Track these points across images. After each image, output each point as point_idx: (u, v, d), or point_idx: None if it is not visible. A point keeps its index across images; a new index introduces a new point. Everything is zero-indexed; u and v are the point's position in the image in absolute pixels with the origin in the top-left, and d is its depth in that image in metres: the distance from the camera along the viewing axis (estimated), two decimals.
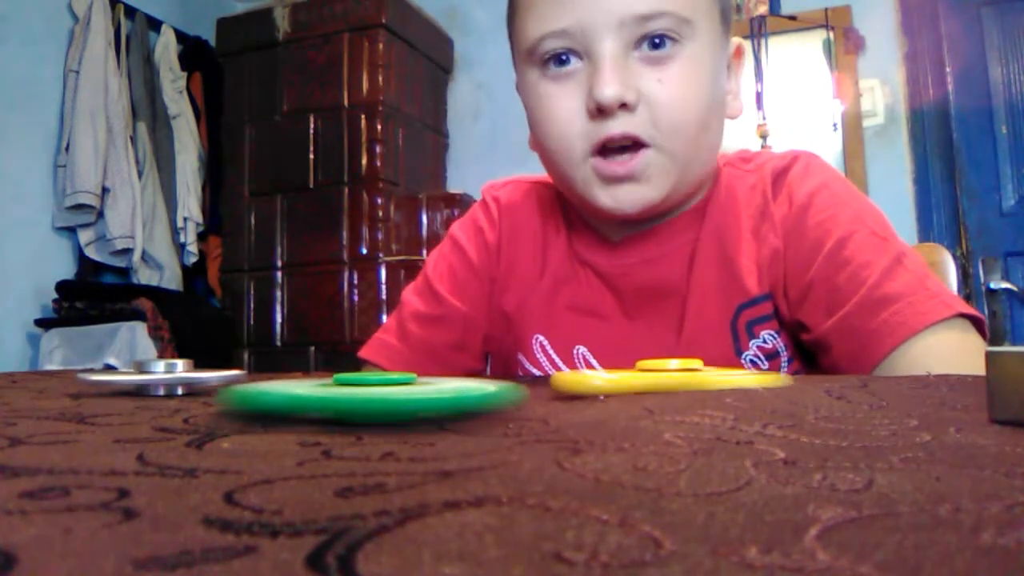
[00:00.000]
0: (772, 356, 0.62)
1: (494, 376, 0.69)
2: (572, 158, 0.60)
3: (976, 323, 0.56)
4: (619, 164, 0.58)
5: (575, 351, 0.66)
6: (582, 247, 0.69)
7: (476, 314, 0.72)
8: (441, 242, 0.77)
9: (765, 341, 0.61)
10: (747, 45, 0.69)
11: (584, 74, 0.58)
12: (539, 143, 0.64)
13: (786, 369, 0.62)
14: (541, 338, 0.68)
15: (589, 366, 0.66)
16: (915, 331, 0.54)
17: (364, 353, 0.74)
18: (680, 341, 0.63)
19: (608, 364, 0.65)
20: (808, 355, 0.63)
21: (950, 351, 0.53)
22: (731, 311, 0.62)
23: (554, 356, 0.67)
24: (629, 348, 0.62)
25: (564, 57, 0.59)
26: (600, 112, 0.57)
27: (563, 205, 0.71)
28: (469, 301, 0.72)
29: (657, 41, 0.57)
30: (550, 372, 0.67)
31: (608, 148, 0.58)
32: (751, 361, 0.62)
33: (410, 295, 0.75)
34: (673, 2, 0.57)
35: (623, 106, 0.56)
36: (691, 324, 0.63)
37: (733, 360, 0.61)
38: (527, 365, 0.69)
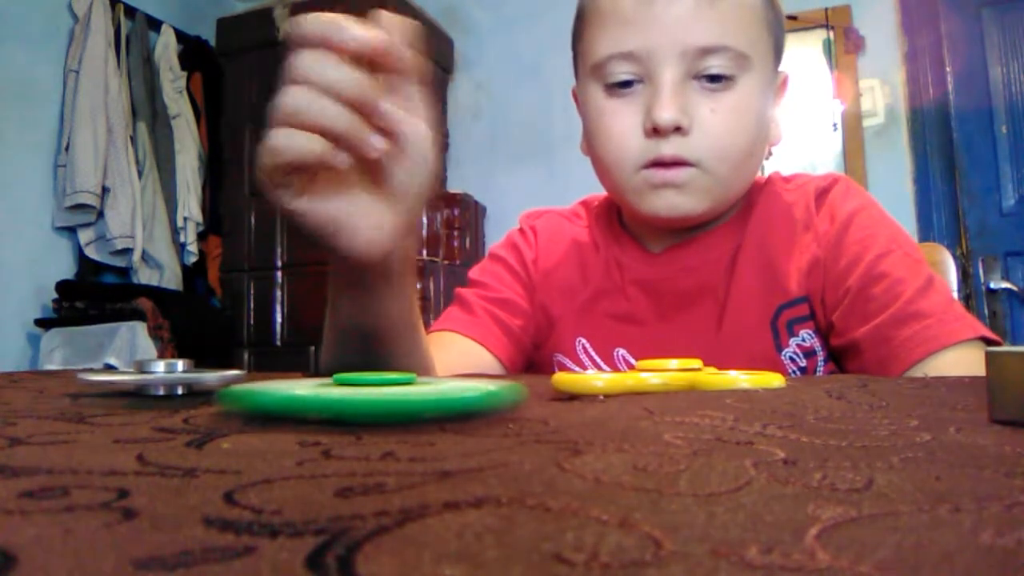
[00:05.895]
0: (810, 354, 0.65)
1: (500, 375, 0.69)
2: (625, 170, 0.64)
3: (996, 346, 0.59)
4: (666, 170, 0.62)
5: (615, 353, 0.70)
6: (624, 260, 0.72)
7: (521, 301, 0.74)
8: (479, 263, 0.80)
9: (804, 340, 0.65)
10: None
11: (644, 95, 0.62)
12: (593, 152, 0.68)
13: (822, 368, 0.65)
14: (583, 340, 0.71)
15: (630, 366, 0.68)
16: (943, 345, 0.58)
17: (434, 328, 0.73)
18: (719, 340, 0.65)
19: None
20: (836, 359, 0.65)
21: (974, 367, 0.57)
22: (771, 311, 0.65)
23: (595, 357, 0.71)
24: (668, 348, 0.63)
25: (627, 82, 0.63)
26: (655, 132, 0.61)
27: (603, 225, 0.76)
28: (512, 290, 0.74)
29: (715, 74, 0.61)
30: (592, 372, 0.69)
31: (658, 163, 0.63)
32: (791, 358, 0.65)
33: (460, 291, 0.76)
34: (734, 37, 0.61)
35: (677, 129, 0.61)
36: (730, 323, 0.66)
37: (774, 357, 0.64)
38: (569, 364, 0.72)
